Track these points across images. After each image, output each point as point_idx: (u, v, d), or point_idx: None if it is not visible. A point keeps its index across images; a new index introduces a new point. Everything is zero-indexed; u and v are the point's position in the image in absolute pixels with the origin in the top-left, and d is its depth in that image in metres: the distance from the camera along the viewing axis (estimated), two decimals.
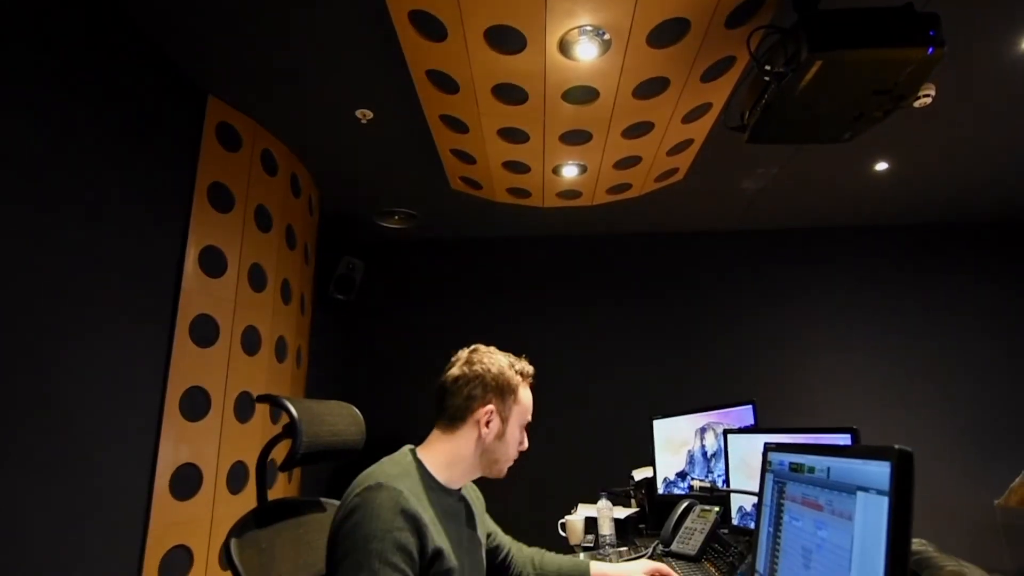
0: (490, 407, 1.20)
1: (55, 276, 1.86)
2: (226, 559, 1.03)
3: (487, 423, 1.20)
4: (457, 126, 2.70)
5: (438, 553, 1.05)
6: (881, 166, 3.42)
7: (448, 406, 1.21)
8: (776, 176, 3.48)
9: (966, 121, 2.93)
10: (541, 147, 2.85)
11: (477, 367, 1.22)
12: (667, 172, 3.24)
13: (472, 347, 1.28)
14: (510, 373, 1.24)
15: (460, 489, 1.26)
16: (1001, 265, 4.27)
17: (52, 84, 1.86)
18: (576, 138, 2.77)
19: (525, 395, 1.27)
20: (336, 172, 3.39)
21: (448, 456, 1.20)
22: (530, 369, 1.29)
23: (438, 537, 1.06)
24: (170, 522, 2.17)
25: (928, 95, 2.55)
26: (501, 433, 1.22)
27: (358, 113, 2.72)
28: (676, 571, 1.54)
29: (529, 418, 1.28)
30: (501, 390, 1.22)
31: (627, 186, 3.37)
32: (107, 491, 1.99)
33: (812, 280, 4.33)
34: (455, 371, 1.23)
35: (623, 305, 4.36)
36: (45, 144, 1.84)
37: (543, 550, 1.54)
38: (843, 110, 1.88)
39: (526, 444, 1.29)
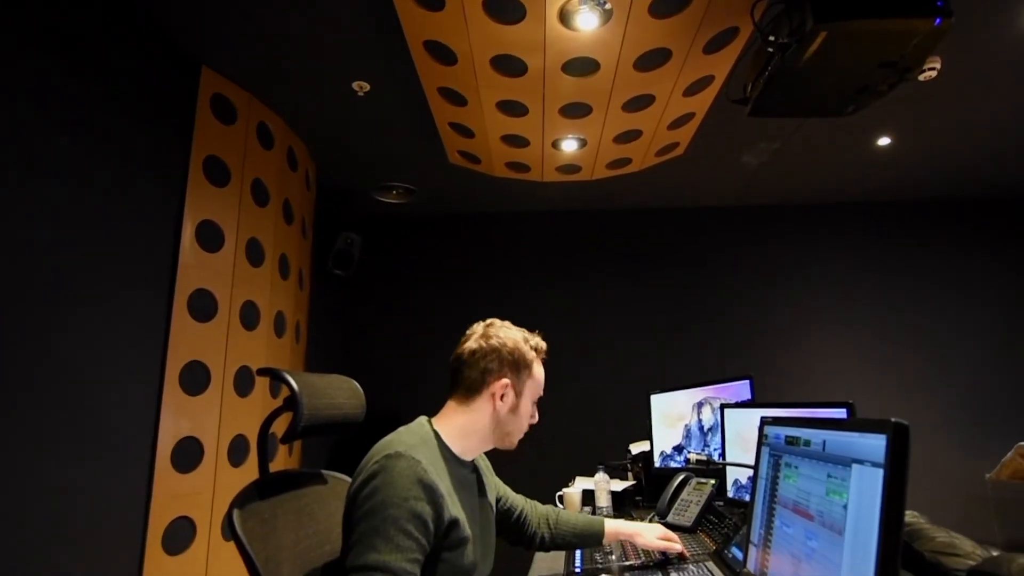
0: (505, 381, 1.22)
1: (52, 251, 1.85)
2: (229, 529, 1.04)
3: (502, 396, 1.22)
4: (455, 99, 2.66)
5: (454, 523, 1.07)
6: (883, 141, 3.39)
7: (464, 379, 1.23)
8: (777, 151, 3.45)
9: (971, 95, 2.89)
10: (540, 120, 2.82)
11: (494, 340, 1.24)
12: (668, 146, 3.21)
13: (488, 321, 1.30)
14: (525, 348, 1.26)
15: (473, 460, 1.29)
16: (1001, 241, 4.27)
17: (43, 56, 1.83)
18: (576, 111, 2.74)
19: (539, 370, 1.29)
20: (333, 146, 3.35)
21: (463, 428, 1.23)
22: (543, 345, 1.31)
23: (454, 508, 1.08)
24: (172, 494, 2.20)
25: (934, 68, 2.52)
26: (515, 407, 1.24)
27: (355, 85, 2.68)
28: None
29: (541, 392, 1.31)
30: (516, 364, 1.24)
31: (627, 161, 3.34)
32: (109, 463, 2.01)
33: (811, 256, 4.33)
34: (472, 344, 1.25)
35: (622, 280, 4.36)
36: (37, 117, 1.81)
37: (558, 508, 1.57)
38: (847, 83, 1.86)
39: (536, 417, 1.32)
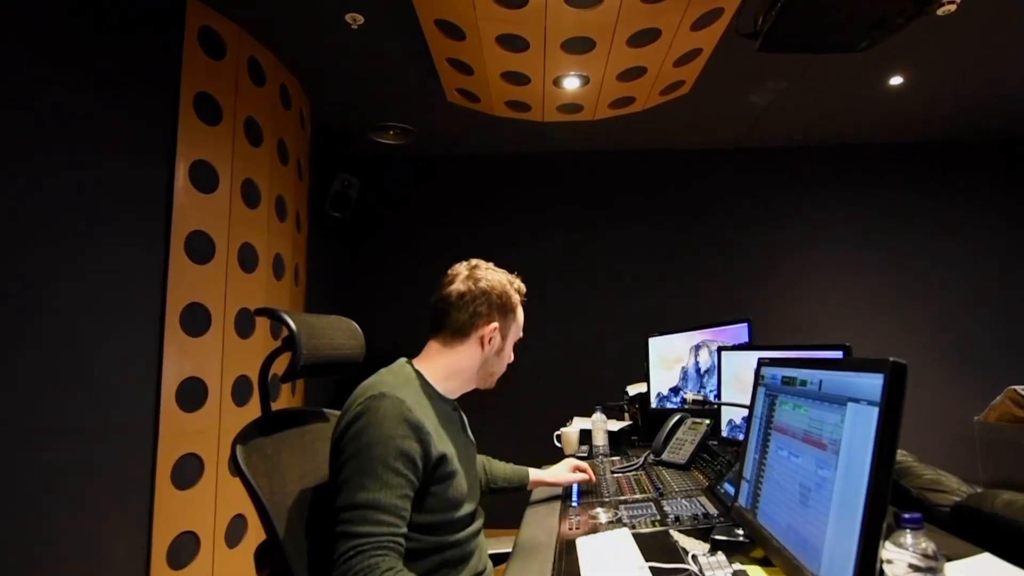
0: (494, 324, 1.24)
1: (42, 192, 1.82)
2: (233, 465, 1.07)
3: (490, 340, 1.23)
4: (453, 32, 2.55)
5: (442, 458, 1.09)
6: (895, 80, 3.28)
7: (452, 321, 1.23)
8: (785, 91, 3.35)
9: (989, 32, 2.78)
10: (542, 56, 2.71)
11: (483, 284, 1.23)
12: (673, 85, 3.11)
13: (472, 262, 1.29)
14: (511, 291, 1.27)
15: (454, 400, 1.30)
16: (1002, 186, 4.21)
17: None
18: (578, 46, 2.63)
19: (521, 314, 1.32)
20: (327, 83, 3.24)
21: (448, 368, 1.24)
22: (524, 288, 1.32)
23: (441, 444, 1.10)
24: (179, 432, 2.25)
25: (953, 2, 2.40)
26: (500, 349, 1.27)
27: (348, 17, 2.56)
28: (595, 471, 1.71)
29: (521, 335, 1.33)
30: (504, 308, 1.25)
31: (630, 100, 3.24)
32: (115, 403, 2.05)
33: (812, 199, 4.28)
34: (459, 286, 1.23)
35: (621, 222, 4.33)
36: (18, 56, 1.74)
37: (490, 457, 1.61)
38: (863, 15, 1.77)
39: (512, 359, 1.34)
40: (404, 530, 1.01)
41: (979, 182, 4.22)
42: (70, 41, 1.93)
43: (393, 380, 1.13)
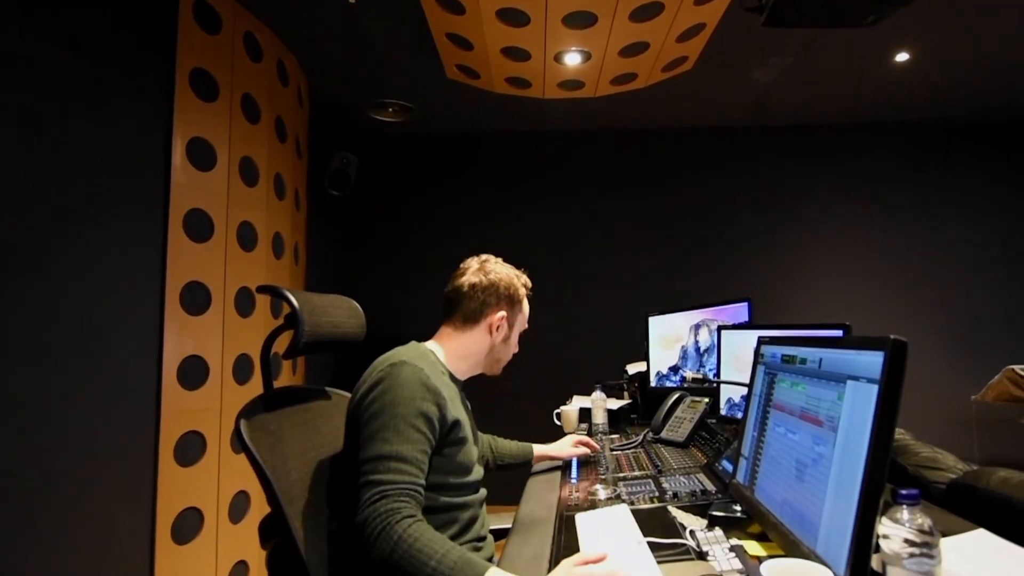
0: (502, 314, 1.35)
1: (39, 171, 1.81)
2: (237, 439, 1.07)
3: (497, 328, 1.34)
4: (452, 6, 2.51)
5: (456, 423, 1.17)
6: (901, 57, 3.24)
7: (463, 308, 1.33)
8: (789, 67, 3.30)
9: (999, 8, 2.73)
10: (542, 31, 2.67)
11: (492, 276, 1.35)
12: (676, 61, 3.06)
13: (483, 257, 1.39)
14: (518, 284, 1.39)
15: (463, 381, 1.38)
16: (1004, 165, 4.18)
17: None
18: (580, 20, 2.59)
19: (526, 306, 1.44)
20: (325, 59, 3.20)
21: (459, 351, 1.34)
22: (529, 283, 1.44)
23: (455, 410, 1.17)
24: (181, 409, 2.26)
25: None
26: (507, 337, 1.38)
27: None
28: (599, 445, 1.76)
29: (526, 326, 1.46)
30: (511, 300, 1.37)
31: (632, 76, 3.20)
32: (117, 380, 2.06)
33: (814, 178, 4.25)
34: (471, 278, 1.34)
35: (622, 201, 4.31)
36: (13, 35, 1.71)
37: (495, 436, 1.70)
38: None
39: (517, 348, 1.45)
40: (423, 481, 1.06)
41: (982, 162, 4.19)
42: (64, 15, 1.90)
43: (411, 353, 1.20)
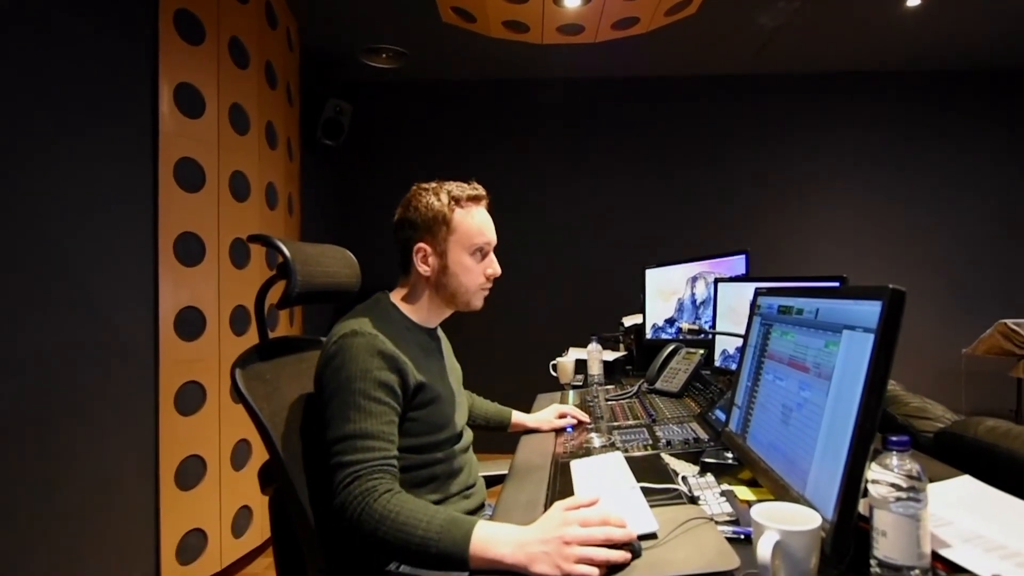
0: (420, 245, 1.20)
1: (23, 117, 1.75)
2: (233, 388, 1.08)
3: (424, 261, 1.21)
4: None
5: (421, 386, 1.12)
6: (913, 1, 3.12)
7: (399, 253, 1.24)
8: (796, 11, 3.19)
9: None
10: None
11: (402, 210, 1.23)
12: (679, 4, 2.95)
13: (412, 189, 1.25)
14: (437, 204, 1.19)
15: (435, 329, 1.33)
16: (1008, 119, 4.10)
17: None
18: None
19: (463, 220, 1.20)
20: (315, 0, 3.07)
21: (410, 298, 1.26)
22: (469, 192, 1.22)
23: (419, 372, 1.12)
24: (179, 360, 2.27)
25: None
26: (444, 266, 1.21)
27: None
28: (585, 413, 1.66)
29: (478, 241, 1.22)
30: (428, 226, 1.19)
31: (634, 20, 3.09)
32: (114, 331, 2.06)
33: (817, 130, 4.18)
34: (395, 218, 1.25)
35: (622, 152, 4.24)
36: None
37: (474, 394, 1.64)
38: None
39: (495, 269, 1.27)
40: (395, 453, 1.04)
41: (982, 114, 4.11)
42: None
43: (367, 315, 1.14)
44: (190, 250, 2.34)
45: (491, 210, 1.28)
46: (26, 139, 1.77)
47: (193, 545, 2.30)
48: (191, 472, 2.31)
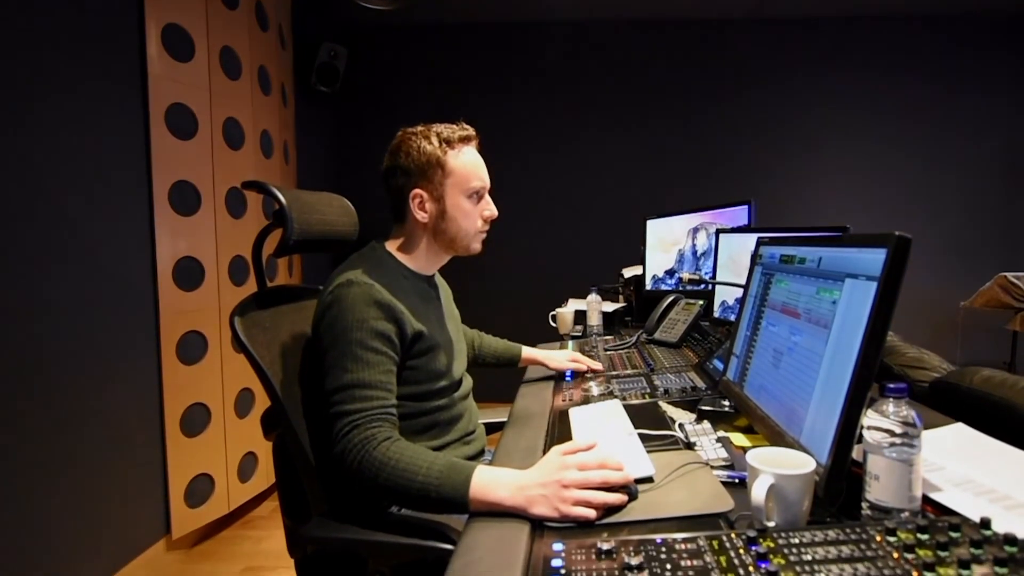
0: (416, 191, 1.18)
1: (8, 59, 1.69)
2: (233, 336, 1.08)
3: (421, 207, 1.19)
4: None
5: (419, 335, 1.12)
6: None
7: (391, 202, 1.22)
8: None
9: None
10: None
11: (399, 155, 1.18)
12: None
13: (399, 134, 1.21)
14: (430, 148, 1.16)
15: (433, 276, 1.31)
16: (1013, 67, 3.98)
17: None
18: None
19: (457, 162, 1.18)
20: None
21: (407, 247, 1.24)
22: (460, 132, 1.19)
23: (416, 321, 1.12)
24: (179, 310, 2.28)
25: None
26: (442, 211, 1.19)
27: None
28: (595, 361, 1.66)
29: (475, 184, 1.20)
30: (422, 170, 1.17)
31: None
32: (112, 281, 2.05)
33: (822, 77, 4.06)
34: (384, 166, 1.21)
35: (623, 97, 4.14)
36: None
37: (481, 332, 1.65)
38: None
39: (492, 211, 1.25)
40: (393, 401, 1.05)
41: (988, 65, 3.98)
42: None
43: (363, 264, 1.13)
44: (185, 199, 2.31)
45: (481, 150, 1.25)
46: (8, 89, 1.71)
47: (201, 489, 2.37)
48: (196, 420, 2.35)
